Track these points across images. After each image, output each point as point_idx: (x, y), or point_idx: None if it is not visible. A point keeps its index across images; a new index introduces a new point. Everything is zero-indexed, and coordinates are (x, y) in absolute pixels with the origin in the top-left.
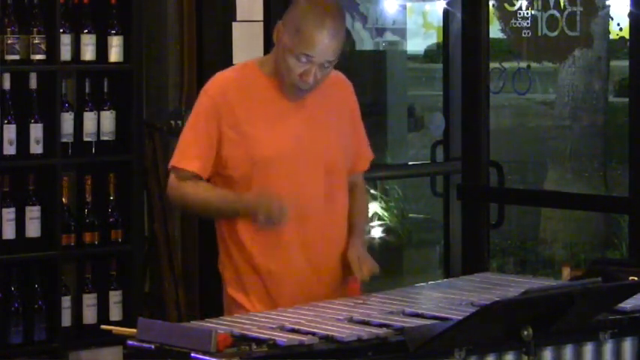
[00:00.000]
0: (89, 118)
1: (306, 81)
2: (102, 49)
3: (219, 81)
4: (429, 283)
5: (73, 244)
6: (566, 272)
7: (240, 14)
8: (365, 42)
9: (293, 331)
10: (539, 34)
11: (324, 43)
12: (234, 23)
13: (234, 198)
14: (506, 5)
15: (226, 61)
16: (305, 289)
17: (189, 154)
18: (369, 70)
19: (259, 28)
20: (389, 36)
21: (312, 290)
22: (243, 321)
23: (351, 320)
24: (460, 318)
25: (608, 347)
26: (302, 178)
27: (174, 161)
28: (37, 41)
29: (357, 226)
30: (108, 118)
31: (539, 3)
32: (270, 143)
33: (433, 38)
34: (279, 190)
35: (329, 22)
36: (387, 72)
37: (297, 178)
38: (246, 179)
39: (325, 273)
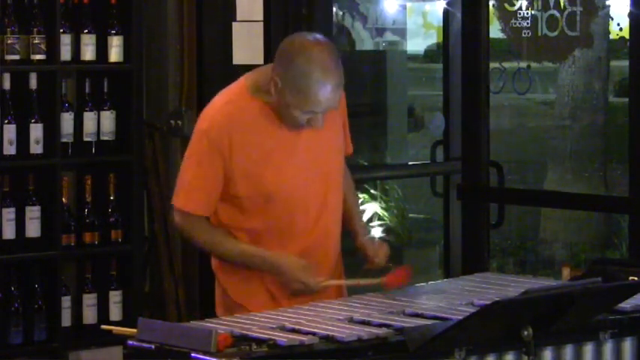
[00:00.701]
0: (89, 118)
1: (314, 125)
2: (102, 49)
3: (216, 118)
4: (429, 283)
5: (73, 244)
6: (566, 272)
7: (240, 14)
8: (365, 42)
9: (293, 331)
10: (539, 34)
11: (329, 98)
12: (234, 23)
13: (259, 259)
14: (506, 5)
15: (226, 61)
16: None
17: (195, 197)
18: (369, 70)
19: (259, 28)
20: (389, 36)
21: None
22: (243, 321)
23: (351, 320)
24: (460, 318)
25: (608, 347)
26: (309, 201)
27: (181, 204)
28: (37, 41)
29: (355, 213)
30: (108, 118)
31: (539, 3)
32: (278, 174)
33: (433, 38)
34: (290, 216)
35: (330, 78)
36: (387, 72)
37: (305, 203)
38: (259, 209)
39: (322, 271)
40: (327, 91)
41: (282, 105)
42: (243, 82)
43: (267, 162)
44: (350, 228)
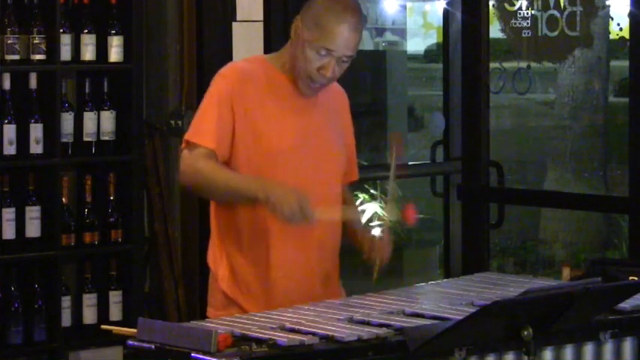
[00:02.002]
0: (89, 118)
1: (325, 75)
2: (102, 49)
3: (235, 69)
4: (429, 283)
5: (73, 244)
6: (566, 272)
7: (240, 14)
8: (365, 42)
9: (293, 331)
10: (539, 34)
11: (345, 37)
12: (234, 23)
13: (257, 184)
14: (506, 5)
15: (226, 61)
16: (300, 287)
17: (206, 130)
18: (369, 70)
19: (259, 28)
20: (389, 36)
21: (305, 287)
22: (243, 321)
23: (351, 320)
24: (460, 318)
25: (608, 347)
26: (307, 175)
27: (190, 135)
28: (37, 41)
29: (358, 219)
30: (108, 118)
31: (539, 3)
32: (280, 137)
33: (433, 38)
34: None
35: (349, 16)
36: (387, 72)
37: (302, 173)
38: (252, 170)
39: (319, 272)
40: (345, 28)
41: (298, 49)
42: (257, 54)
43: (273, 123)
44: (350, 231)
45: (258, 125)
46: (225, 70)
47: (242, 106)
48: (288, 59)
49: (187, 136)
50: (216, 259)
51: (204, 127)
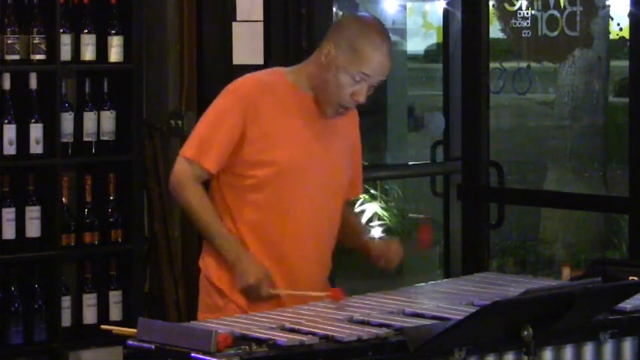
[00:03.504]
0: (89, 118)
1: (357, 100)
2: (102, 49)
3: (249, 83)
4: (429, 283)
5: (73, 244)
6: (566, 272)
7: (240, 14)
8: None
9: (293, 331)
10: (539, 34)
11: (381, 62)
12: (234, 23)
13: (230, 247)
14: (506, 5)
15: (226, 61)
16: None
17: (209, 151)
18: None
19: (259, 28)
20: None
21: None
22: (243, 321)
23: (351, 320)
24: (460, 318)
25: (608, 347)
26: (313, 194)
27: (194, 154)
28: (37, 41)
29: (360, 229)
30: (108, 118)
31: (539, 3)
32: (296, 154)
33: (433, 38)
34: (291, 201)
35: (384, 41)
36: None
37: (308, 191)
38: (261, 184)
39: (310, 285)
40: (381, 54)
41: (330, 74)
42: (277, 68)
43: (290, 139)
44: (357, 242)
45: (273, 137)
46: (237, 86)
47: (256, 120)
48: (315, 82)
49: (191, 154)
50: (210, 262)
51: (208, 149)
